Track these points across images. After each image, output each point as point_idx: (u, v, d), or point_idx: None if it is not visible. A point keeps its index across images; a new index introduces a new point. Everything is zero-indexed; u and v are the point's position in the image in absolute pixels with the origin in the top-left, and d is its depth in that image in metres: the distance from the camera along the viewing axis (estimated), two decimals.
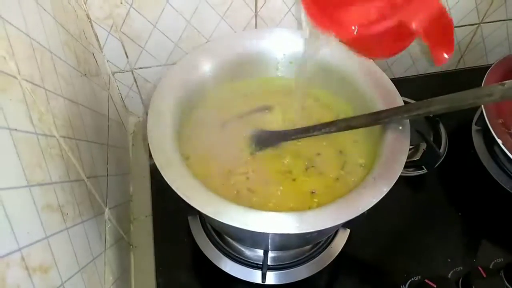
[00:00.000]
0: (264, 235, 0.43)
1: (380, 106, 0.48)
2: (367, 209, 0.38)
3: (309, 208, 0.44)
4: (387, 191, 0.39)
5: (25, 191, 0.33)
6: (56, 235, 0.38)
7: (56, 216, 0.38)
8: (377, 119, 0.45)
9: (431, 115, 0.72)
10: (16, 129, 0.33)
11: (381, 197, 0.39)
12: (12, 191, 0.31)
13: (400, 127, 0.45)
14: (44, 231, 0.35)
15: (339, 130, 0.48)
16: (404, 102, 0.48)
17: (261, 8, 0.66)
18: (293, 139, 0.51)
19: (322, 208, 0.38)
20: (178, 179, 0.39)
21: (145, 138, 0.78)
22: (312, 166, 0.50)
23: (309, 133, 0.49)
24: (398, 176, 0.40)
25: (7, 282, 0.28)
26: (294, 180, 0.48)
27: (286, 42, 0.54)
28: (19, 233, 0.31)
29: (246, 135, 0.52)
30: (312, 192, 0.47)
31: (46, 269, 0.34)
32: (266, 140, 0.52)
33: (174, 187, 0.38)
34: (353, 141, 0.52)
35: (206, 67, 0.52)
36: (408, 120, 0.45)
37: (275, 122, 0.55)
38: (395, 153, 0.43)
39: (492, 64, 0.69)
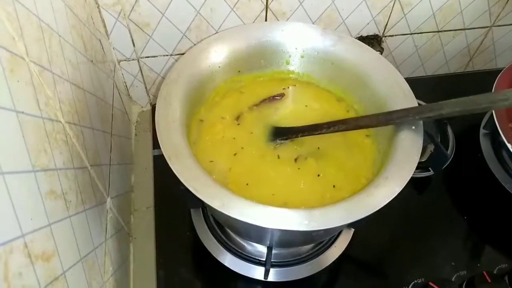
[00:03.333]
0: (271, 231, 0.42)
1: (392, 105, 0.47)
2: (378, 208, 0.37)
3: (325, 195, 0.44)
4: (399, 191, 0.38)
5: (30, 176, 0.32)
6: (59, 222, 0.37)
7: (59, 203, 0.37)
8: (388, 120, 0.44)
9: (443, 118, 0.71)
10: (23, 112, 0.32)
11: (392, 197, 0.38)
12: (17, 175, 0.30)
13: (413, 127, 0.44)
14: (48, 218, 0.34)
15: (348, 129, 0.47)
16: None
17: (272, 1, 0.65)
18: (301, 136, 0.50)
19: (333, 206, 0.38)
20: (185, 170, 0.38)
21: (147, 129, 0.78)
22: (323, 156, 0.49)
23: (318, 131, 0.48)
24: (411, 176, 0.39)
25: (10, 269, 0.27)
26: (304, 167, 0.48)
27: (300, 36, 0.53)
28: (23, 219, 0.30)
29: (256, 128, 0.51)
30: (318, 176, 0.47)
31: (48, 257, 0.34)
32: (275, 135, 0.51)
33: (181, 178, 0.37)
34: (365, 136, 0.51)
35: (217, 57, 0.51)
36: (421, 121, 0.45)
37: (283, 115, 0.54)
38: (407, 153, 0.42)
39: (501, 68, 0.68)
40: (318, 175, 0.47)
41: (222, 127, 0.51)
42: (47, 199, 0.35)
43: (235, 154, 0.48)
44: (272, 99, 0.54)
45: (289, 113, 0.54)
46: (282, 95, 0.55)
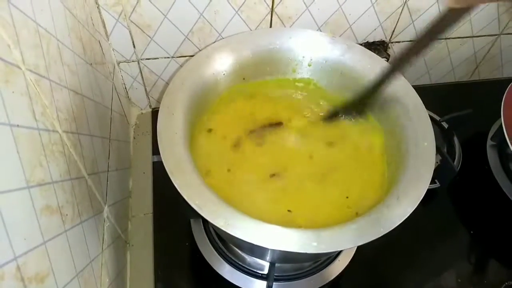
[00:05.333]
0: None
1: (402, 116, 0.46)
2: (389, 230, 0.36)
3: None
4: (411, 211, 0.37)
5: (24, 193, 0.30)
6: (54, 239, 0.35)
7: (55, 218, 0.35)
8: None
9: None
10: (18, 125, 0.30)
11: (404, 218, 0.36)
12: (10, 194, 0.28)
13: (426, 143, 0.42)
14: (42, 236, 0.32)
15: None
16: None
17: (277, 4, 0.63)
18: None
19: (342, 228, 0.36)
20: (188, 186, 0.37)
21: (147, 132, 0.76)
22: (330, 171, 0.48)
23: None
24: (423, 195, 0.38)
25: None
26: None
27: (308, 44, 0.52)
28: (16, 240, 0.28)
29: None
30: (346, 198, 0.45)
31: (42, 278, 0.32)
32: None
33: (184, 195, 0.36)
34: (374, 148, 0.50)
35: (221, 64, 0.49)
36: (433, 136, 0.43)
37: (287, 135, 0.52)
38: (420, 171, 0.40)
39: (507, 77, 0.68)
40: (347, 197, 0.45)
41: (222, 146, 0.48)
42: (42, 216, 0.33)
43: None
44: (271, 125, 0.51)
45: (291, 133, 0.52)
46: (280, 124, 0.52)
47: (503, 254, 0.59)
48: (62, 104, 0.40)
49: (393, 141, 0.46)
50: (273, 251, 0.42)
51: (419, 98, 0.47)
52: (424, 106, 0.46)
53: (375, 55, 0.51)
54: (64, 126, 0.40)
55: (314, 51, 0.52)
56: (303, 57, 0.53)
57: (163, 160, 0.38)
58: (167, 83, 0.72)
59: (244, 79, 0.52)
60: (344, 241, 0.35)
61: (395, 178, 0.42)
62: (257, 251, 0.47)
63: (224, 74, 0.49)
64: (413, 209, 0.37)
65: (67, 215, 0.38)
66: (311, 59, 0.53)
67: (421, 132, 0.43)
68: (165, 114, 0.42)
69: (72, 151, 0.41)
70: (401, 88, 0.47)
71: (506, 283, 0.55)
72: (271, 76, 0.54)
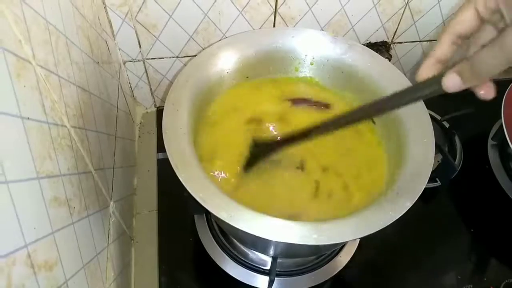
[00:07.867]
0: (277, 243, 0.41)
1: (404, 116, 0.46)
2: (388, 224, 0.37)
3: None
4: (410, 206, 0.38)
5: (34, 184, 0.31)
6: (62, 230, 0.36)
7: (63, 210, 0.36)
8: (379, 109, 0.38)
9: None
10: (28, 118, 0.31)
11: (403, 213, 0.37)
12: (22, 183, 0.29)
13: (425, 140, 0.43)
14: (51, 226, 0.33)
15: (339, 127, 0.39)
16: None
17: (281, 5, 0.64)
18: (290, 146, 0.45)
19: (342, 220, 0.37)
20: (193, 180, 0.38)
21: (151, 131, 0.77)
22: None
23: (307, 137, 0.42)
24: (422, 190, 0.39)
25: (13, 281, 0.26)
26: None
27: (310, 43, 0.53)
28: (26, 229, 0.29)
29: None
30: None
31: (51, 266, 0.33)
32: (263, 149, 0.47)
33: (189, 188, 0.37)
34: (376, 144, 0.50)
35: (226, 62, 0.50)
36: (432, 132, 0.44)
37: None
38: (419, 167, 0.41)
39: (509, 77, 0.68)
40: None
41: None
42: (51, 207, 0.34)
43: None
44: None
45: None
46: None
47: (503, 253, 0.60)
48: (70, 100, 0.41)
49: (393, 138, 0.47)
50: (275, 244, 0.43)
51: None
52: (423, 102, 0.47)
53: (376, 54, 0.52)
54: (72, 121, 0.41)
55: (316, 50, 0.53)
56: (306, 55, 0.54)
57: (168, 155, 0.39)
58: (172, 83, 0.74)
59: (247, 77, 0.53)
60: (344, 234, 0.36)
61: (395, 173, 0.42)
62: (260, 245, 0.47)
63: (227, 72, 0.50)
64: (412, 204, 0.38)
65: (74, 207, 0.39)
66: (313, 58, 0.54)
67: (420, 128, 0.44)
68: (170, 111, 0.43)
69: (80, 146, 0.43)
70: (400, 85, 0.48)
71: (506, 281, 0.56)
72: (274, 75, 0.55)
